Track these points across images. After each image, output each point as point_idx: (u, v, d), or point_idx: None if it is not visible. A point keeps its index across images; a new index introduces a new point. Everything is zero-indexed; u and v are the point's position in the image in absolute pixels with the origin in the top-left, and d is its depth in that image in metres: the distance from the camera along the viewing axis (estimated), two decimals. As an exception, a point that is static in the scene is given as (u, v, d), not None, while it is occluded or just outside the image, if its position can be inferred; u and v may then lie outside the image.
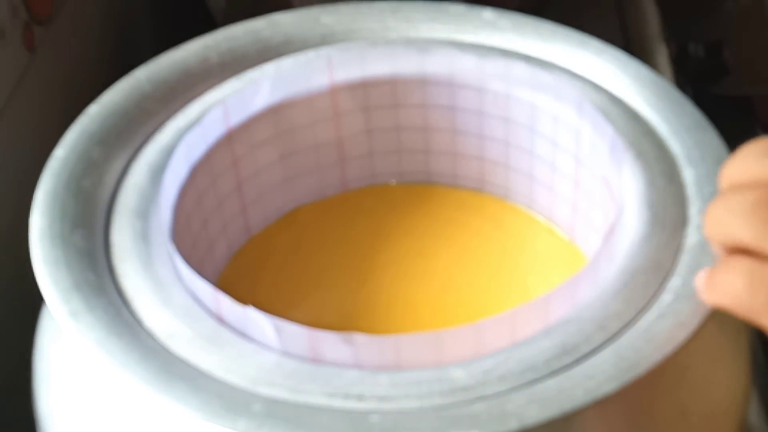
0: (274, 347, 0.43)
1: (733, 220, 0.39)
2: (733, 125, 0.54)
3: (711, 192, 0.47)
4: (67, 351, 0.45)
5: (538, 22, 0.54)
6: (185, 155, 0.49)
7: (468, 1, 0.57)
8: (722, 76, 0.78)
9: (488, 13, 0.55)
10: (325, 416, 0.40)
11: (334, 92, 0.53)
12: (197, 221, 0.51)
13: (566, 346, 0.42)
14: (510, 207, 0.56)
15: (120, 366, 0.42)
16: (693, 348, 0.42)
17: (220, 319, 0.44)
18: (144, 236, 0.47)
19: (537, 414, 0.39)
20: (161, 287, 0.45)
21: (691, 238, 0.45)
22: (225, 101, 0.51)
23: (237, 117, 0.52)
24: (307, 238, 0.55)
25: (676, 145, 0.49)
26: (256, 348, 0.43)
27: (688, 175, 0.48)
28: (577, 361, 0.41)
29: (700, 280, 0.42)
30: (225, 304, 0.43)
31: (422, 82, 0.54)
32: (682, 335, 0.42)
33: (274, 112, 0.53)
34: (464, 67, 0.53)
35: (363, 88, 0.54)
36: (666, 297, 0.43)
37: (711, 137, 0.49)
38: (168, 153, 0.50)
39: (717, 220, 0.40)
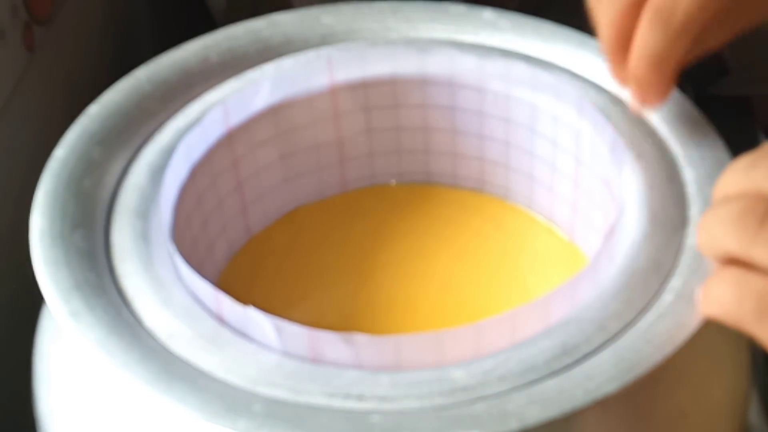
0: (274, 347, 0.43)
1: (721, 230, 0.39)
2: (733, 125, 0.54)
3: (711, 192, 0.47)
4: (68, 351, 0.45)
5: (539, 22, 0.54)
6: (185, 155, 0.49)
7: (468, 1, 0.57)
8: (722, 76, 0.78)
9: (488, 14, 0.55)
10: (325, 416, 0.40)
11: (334, 92, 0.53)
12: (197, 221, 0.51)
13: (566, 346, 0.42)
14: (510, 207, 0.56)
15: (120, 366, 0.42)
16: (693, 348, 0.42)
17: (220, 319, 0.44)
18: (144, 236, 0.47)
19: (537, 414, 0.39)
20: (161, 287, 0.45)
21: (692, 238, 0.45)
22: (225, 101, 0.51)
23: (237, 117, 0.51)
24: (307, 239, 0.55)
25: (676, 146, 0.49)
26: (256, 348, 0.43)
27: (689, 175, 0.48)
28: (578, 362, 0.41)
29: (698, 292, 0.42)
30: (225, 304, 0.43)
31: (422, 82, 0.54)
32: (682, 336, 0.42)
33: (274, 112, 0.53)
34: (464, 67, 0.53)
35: (363, 88, 0.54)
36: (666, 297, 0.43)
37: (711, 138, 0.49)
38: (168, 153, 0.50)
39: (706, 232, 0.40)
